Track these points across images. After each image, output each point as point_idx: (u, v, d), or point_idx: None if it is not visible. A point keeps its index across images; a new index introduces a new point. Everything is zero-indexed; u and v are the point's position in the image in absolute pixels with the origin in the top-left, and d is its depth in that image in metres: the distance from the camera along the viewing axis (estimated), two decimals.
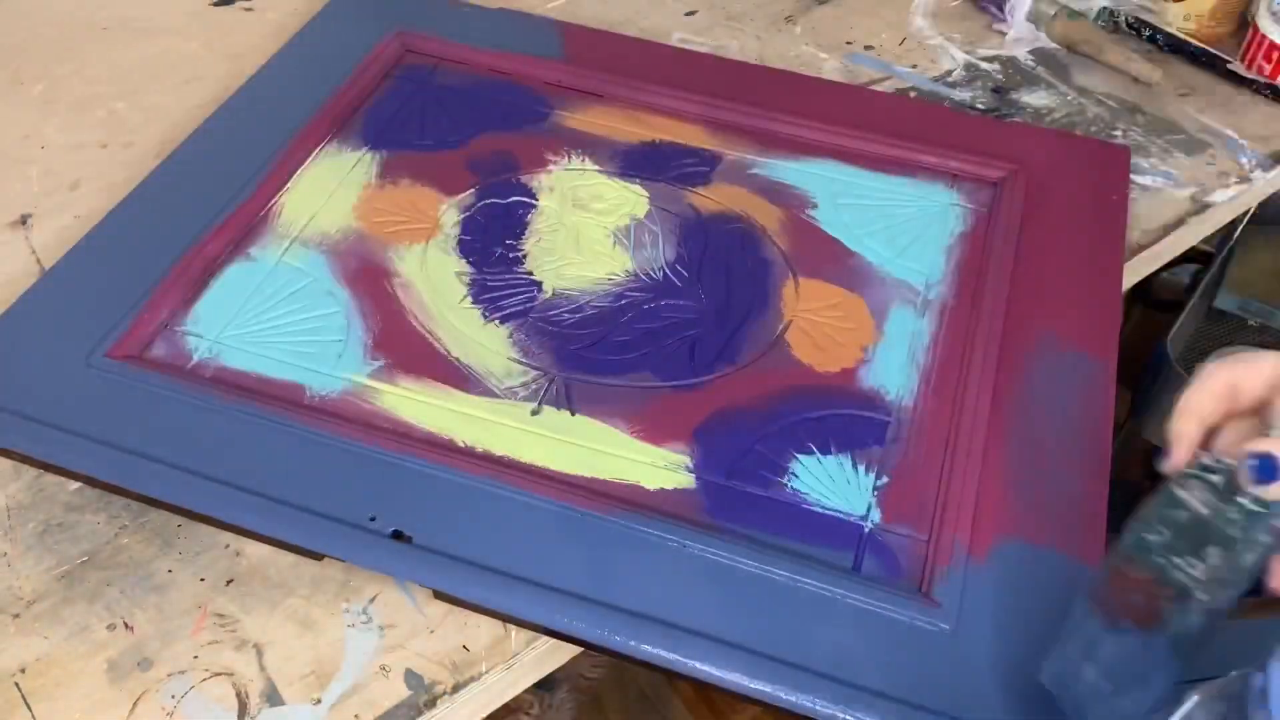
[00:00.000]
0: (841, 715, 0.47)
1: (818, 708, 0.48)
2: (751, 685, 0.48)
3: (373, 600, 0.52)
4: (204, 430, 0.56)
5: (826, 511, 0.55)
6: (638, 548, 0.52)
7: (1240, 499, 0.41)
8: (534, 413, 0.58)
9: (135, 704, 0.48)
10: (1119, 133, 0.79)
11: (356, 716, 0.48)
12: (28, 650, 0.49)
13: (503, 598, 0.50)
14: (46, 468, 0.55)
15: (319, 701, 0.48)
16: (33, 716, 0.47)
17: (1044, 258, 0.68)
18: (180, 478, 0.53)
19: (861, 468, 0.57)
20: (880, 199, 0.72)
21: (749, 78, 0.79)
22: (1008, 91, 0.82)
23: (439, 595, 0.51)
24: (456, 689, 0.49)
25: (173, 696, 0.48)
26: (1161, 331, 1.03)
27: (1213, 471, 0.42)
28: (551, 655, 0.52)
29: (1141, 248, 0.71)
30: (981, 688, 0.49)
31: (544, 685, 1.11)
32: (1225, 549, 0.41)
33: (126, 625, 0.50)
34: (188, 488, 0.53)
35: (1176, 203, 0.74)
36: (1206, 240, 0.97)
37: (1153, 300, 1.20)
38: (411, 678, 0.49)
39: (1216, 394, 0.44)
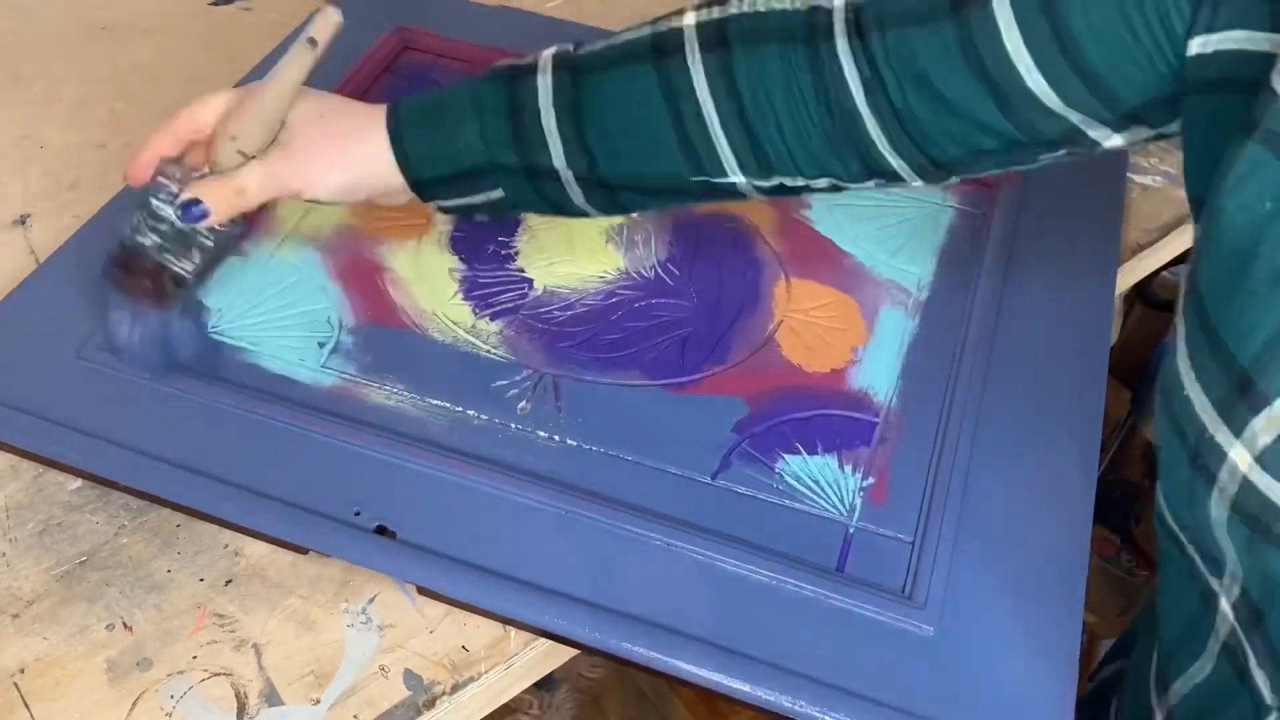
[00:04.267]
0: (820, 716, 0.47)
1: (797, 709, 0.48)
2: (731, 685, 0.48)
3: (372, 600, 0.52)
4: (192, 423, 0.56)
5: (812, 511, 0.55)
6: (623, 546, 0.52)
7: (186, 217, 0.53)
8: (522, 410, 0.58)
9: (134, 704, 0.48)
10: None
11: (356, 717, 0.48)
12: (27, 650, 0.49)
13: (484, 594, 0.50)
14: (37, 460, 0.55)
15: (318, 702, 0.48)
16: (32, 717, 0.47)
17: (1037, 260, 0.68)
18: (166, 469, 0.54)
19: (848, 468, 0.57)
20: (874, 200, 0.72)
21: None
22: None
23: (423, 591, 0.51)
24: (456, 689, 0.49)
25: (172, 697, 0.48)
26: (1161, 331, 1.03)
27: (182, 216, 0.53)
28: (550, 655, 0.52)
29: (1141, 247, 0.71)
30: (964, 691, 0.49)
31: (544, 685, 1.11)
32: (200, 249, 0.55)
33: (125, 625, 0.50)
34: (172, 479, 0.53)
35: (1176, 202, 0.74)
36: None
37: (1153, 300, 1.20)
38: (410, 678, 0.49)
39: (179, 132, 0.54)
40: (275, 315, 0.62)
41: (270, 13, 0.86)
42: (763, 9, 0.50)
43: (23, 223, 0.68)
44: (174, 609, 0.51)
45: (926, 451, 0.58)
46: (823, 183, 0.52)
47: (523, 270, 0.66)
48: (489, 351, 0.61)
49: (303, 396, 0.58)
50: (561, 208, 0.55)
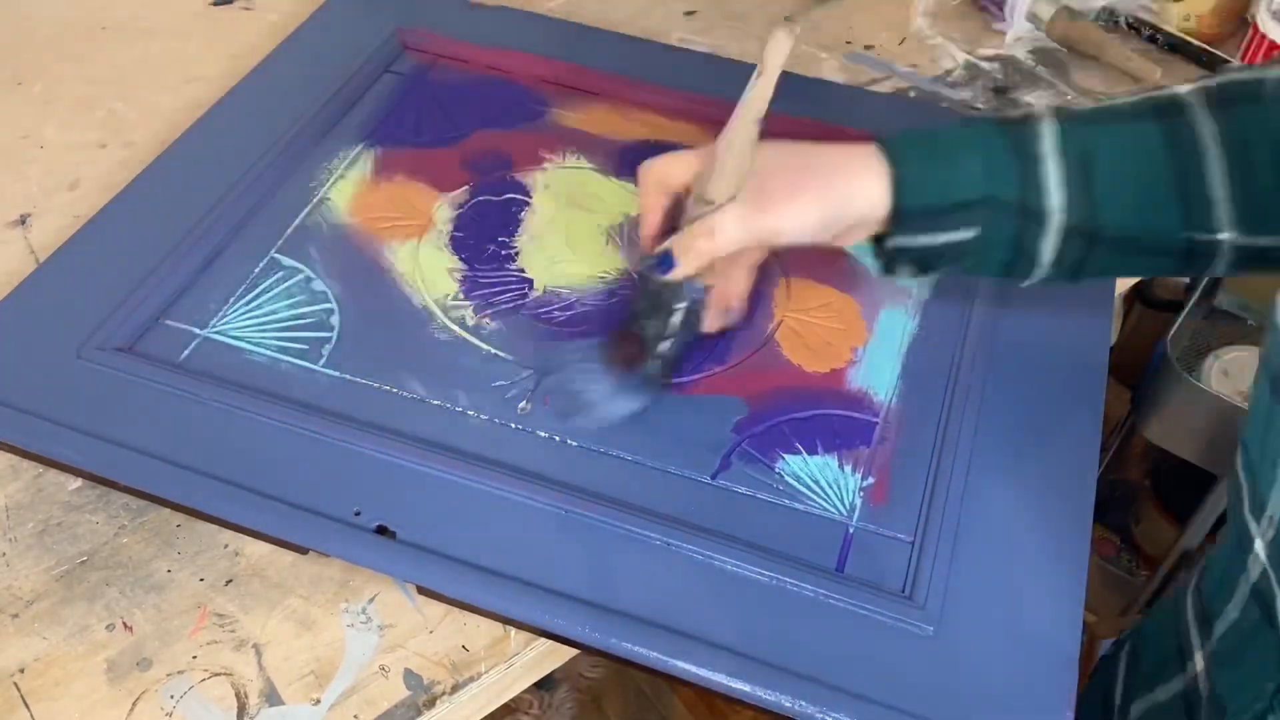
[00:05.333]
0: (820, 716, 0.47)
1: (797, 709, 0.48)
2: (731, 685, 0.48)
3: (372, 600, 0.52)
4: (193, 423, 0.56)
5: (812, 511, 0.55)
6: (623, 546, 0.52)
7: (659, 269, 0.55)
8: (522, 410, 0.58)
9: (134, 704, 0.48)
10: None
11: (356, 716, 0.48)
12: (27, 650, 0.49)
13: (484, 594, 0.50)
14: (37, 460, 0.55)
15: (318, 701, 0.48)
16: (32, 717, 0.47)
17: None
18: (166, 469, 0.53)
19: (848, 468, 0.57)
20: None
21: (747, 77, 0.79)
22: (1008, 91, 0.82)
23: (423, 591, 0.51)
24: (456, 689, 0.49)
25: (172, 696, 0.48)
26: (1161, 331, 1.03)
27: (658, 270, 0.54)
28: (551, 655, 0.52)
29: None
30: (964, 690, 0.49)
31: (544, 685, 1.11)
32: (670, 315, 0.57)
33: (125, 625, 0.50)
34: (172, 479, 0.53)
35: None
36: None
37: (1153, 300, 1.20)
38: (411, 678, 0.49)
39: (652, 194, 0.56)
40: (275, 315, 0.62)
41: (270, 13, 0.86)
42: (1258, 76, 0.51)
43: (23, 223, 0.68)
44: (174, 609, 0.51)
45: (926, 451, 0.58)
46: None
47: (523, 270, 0.66)
48: (489, 351, 0.61)
49: (303, 396, 0.58)
50: (1015, 263, 0.54)
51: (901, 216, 0.52)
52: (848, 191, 0.52)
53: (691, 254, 0.53)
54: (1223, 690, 0.48)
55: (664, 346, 0.57)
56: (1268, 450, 0.42)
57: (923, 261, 0.55)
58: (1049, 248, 0.53)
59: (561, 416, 0.58)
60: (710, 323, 0.59)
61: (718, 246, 0.53)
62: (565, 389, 0.59)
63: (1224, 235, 0.52)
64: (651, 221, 0.56)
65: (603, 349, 0.59)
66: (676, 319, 0.57)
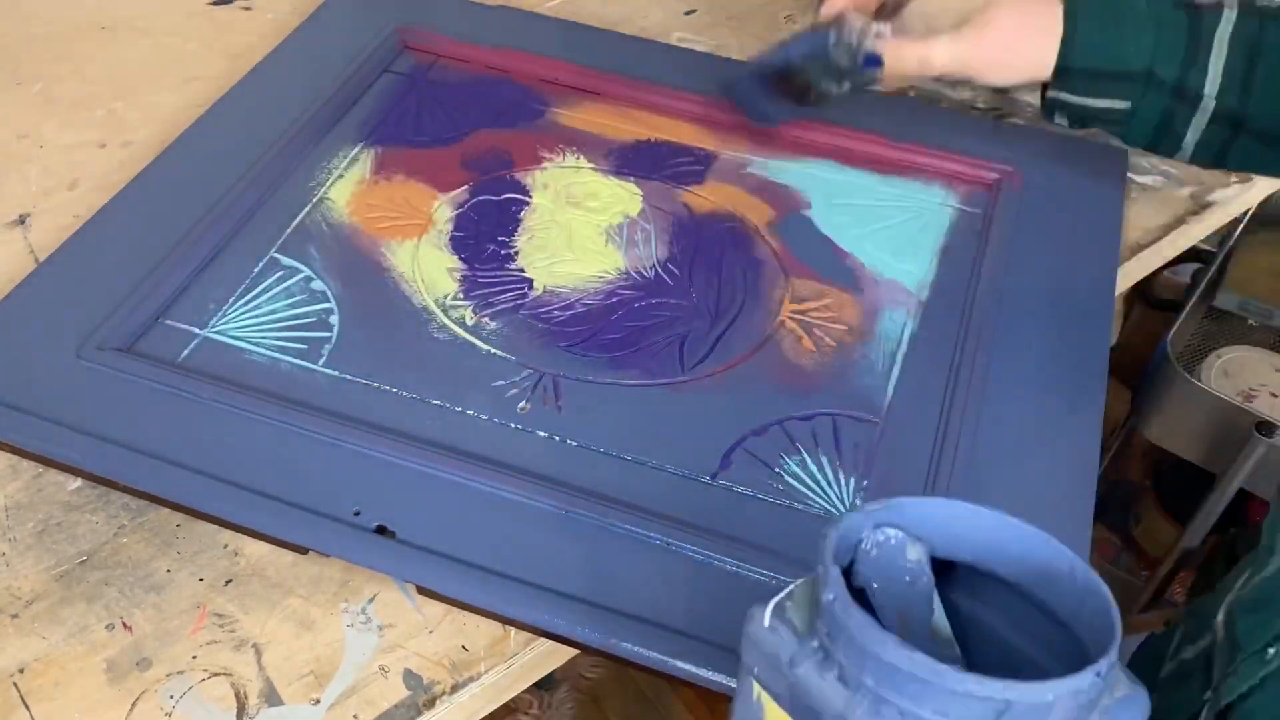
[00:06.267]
0: None
1: None
2: (731, 685, 0.48)
3: (372, 600, 0.52)
4: (193, 423, 0.56)
5: (812, 511, 0.55)
6: (623, 546, 0.52)
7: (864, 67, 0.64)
8: (522, 410, 0.58)
9: (134, 704, 0.48)
10: None
11: (355, 716, 0.48)
12: (26, 650, 0.49)
13: (484, 594, 0.50)
14: (37, 460, 0.55)
15: (318, 701, 0.48)
16: (31, 717, 0.47)
17: (1038, 261, 0.68)
18: (166, 469, 0.53)
19: (848, 468, 0.57)
20: (875, 200, 0.72)
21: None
22: (1008, 90, 0.82)
23: (423, 591, 0.51)
24: (455, 689, 0.49)
25: (171, 697, 0.48)
26: (1161, 331, 1.03)
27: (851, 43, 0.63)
28: (551, 655, 0.52)
29: (1141, 247, 0.71)
30: None
31: (544, 685, 1.11)
32: (851, 82, 0.66)
33: (125, 625, 0.50)
34: (172, 479, 0.53)
35: (1176, 202, 0.74)
36: (1206, 240, 0.97)
37: (1153, 300, 1.20)
38: (410, 678, 0.49)
39: None
40: (275, 315, 0.62)
41: (270, 12, 0.86)
42: None
43: (22, 222, 0.68)
44: (174, 609, 0.51)
45: (926, 451, 0.58)
46: None
47: (523, 270, 0.66)
48: (489, 351, 0.61)
49: (303, 396, 0.58)
50: (1161, 140, 0.59)
51: (1064, 74, 0.57)
52: (1044, 49, 0.57)
53: (900, 63, 0.59)
54: (1240, 633, 0.50)
55: (833, 91, 0.66)
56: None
57: (1078, 117, 0.60)
58: (1194, 131, 0.56)
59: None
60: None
61: (925, 72, 0.59)
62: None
63: None
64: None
65: (770, 85, 0.68)
66: (855, 81, 0.65)
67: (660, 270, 0.67)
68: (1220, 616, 0.52)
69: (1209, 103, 0.55)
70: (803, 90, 0.67)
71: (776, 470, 0.57)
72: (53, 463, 0.55)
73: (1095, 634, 0.32)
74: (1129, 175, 0.75)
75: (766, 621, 0.35)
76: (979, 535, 0.35)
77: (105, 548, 0.53)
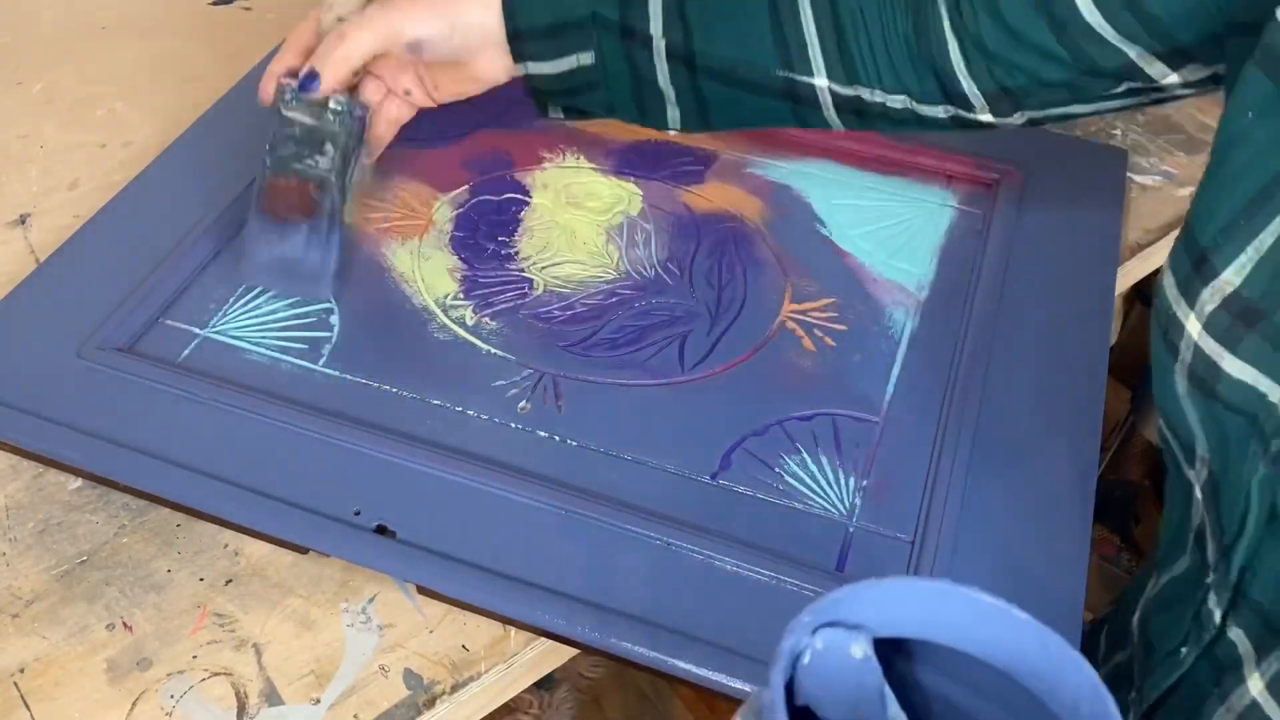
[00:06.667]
0: None
1: None
2: (731, 685, 0.48)
3: (372, 600, 0.52)
4: (192, 423, 0.56)
5: (812, 511, 0.55)
6: (623, 546, 0.52)
7: (330, 104, 0.57)
8: (522, 409, 0.58)
9: (134, 704, 0.48)
10: (1119, 131, 0.79)
11: (355, 716, 0.48)
12: (26, 650, 0.49)
13: (484, 594, 0.50)
14: (37, 459, 0.55)
15: (318, 701, 0.48)
16: (31, 717, 0.47)
17: (1037, 261, 0.68)
18: (166, 469, 0.53)
19: (848, 468, 0.57)
20: (874, 200, 0.72)
21: None
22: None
23: (423, 591, 0.51)
24: (455, 688, 0.49)
25: (171, 696, 0.48)
26: None
27: (302, 92, 0.56)
28: (550, 655, 0.52)
29: (1141, 247, 0.71)
30: None
31: (544, 684, 1.11)
32: (334, 142, 0.58)
33: (125, 625, 0.50)
34: (172, 479, 0.53)
35: (1176, 202, 0.74)
36: None
37: (1153, 300, 1.20)
38: (410, 677, 0.49)
39: (301, 41, 0.59)
40: (275, 315, 0.62)
41: (270, 12, 0.86)
42: None
43: (22, 222, 0.68)
44: (174, 609, 0.51)
45: (926, 451, 0.58)
46: (898, 101, 0.56)
47: (523, 270, 0.66)
48: (489, 351, 0.61)
49: (303, 396, 0.58)
50: (644, 99, 0.57)
51: (515, 38, 0.56)
52: (464, 6, 0.56)
53: (330, 61, 0.55)
54: (1154, 634, 0.51)
55: (326, 168, 0.58)
56: (1171, 397, 0.45)
57: (566, 96, 0.59)
58: (663, 76, 0.56)
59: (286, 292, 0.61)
60: (380, 135, 0.62)
61: (350, 49, 0.55)
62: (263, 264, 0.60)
63: (819, 81, 0.55)
64: (284, 62, 0.59)
65: (261, 203, 0.59)
66: (335, 137, 0.57)
67: (660, 270, 0.67)
68: (1136, 619, 0.52)
69: (659, 42, 0.55)
70: (299, 190, 0.58)
71: (776, 470, 0.57)
72: (53, 463, 0.55)
73: (1077, 713, 0.30)
74: (1129, 175, 0.75)
75: None
76: (931, 612, 0.33)
77: (105, 548, 0.53)
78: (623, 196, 0.71)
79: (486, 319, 0.63)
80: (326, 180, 0.57)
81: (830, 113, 0.57)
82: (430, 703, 0.49)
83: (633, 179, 0.72)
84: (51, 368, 0.58)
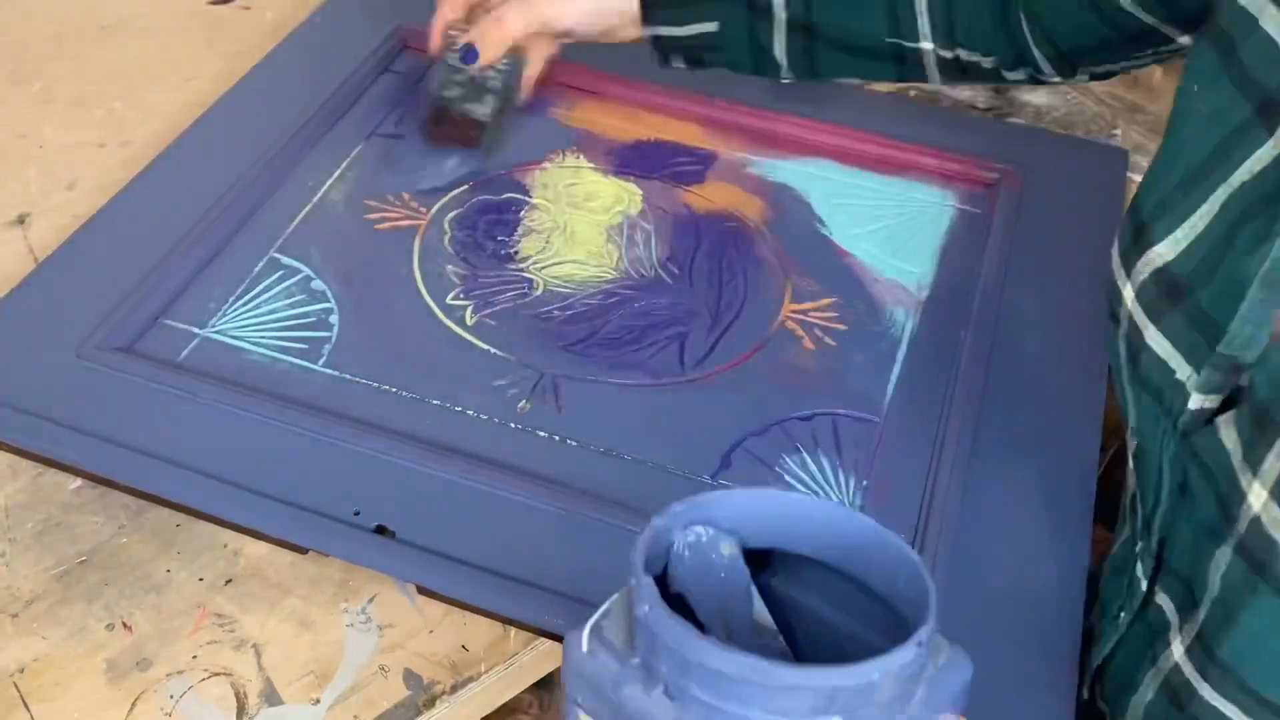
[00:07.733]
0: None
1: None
2: None
3: (371, 600, 0.52)
4: (192, 422, 0.56)
5: None
6: (623, 546, 0.52)
7: (465, 60, 0.67)
8: (522, 409, 0.58)
9: (134, 704, 0.48)
10: (1119, 131, 0.79)
11: (355, 716, 0.48)
12: (26, 650, 0.49)
13: (484, 594, 0.50)
14: (37, 459, 0.55)
15: (318, 701, 0.48)
16: (31, 717, 0.47)
17: (1038, 261, 0.68)
18: (166, 469, 0.53)
19: (848, 468, 0.57)
20: (875, 199, 0.72)
21: (745, 76, 0.79)
22: (1008, 90, 0.82)
23: (423, 591, 0.51)
24: (455, 689, 0.49)
25: (171, 696, 0.48)
26: None
27: (463, 63, 0.66)
28: (550, 655, 0.52)
29: None
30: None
31: (544, 685, 1.11)
32: (494, 92, 0.70)
33: (125, 625, 0.50)
34: (172, 479, 0.53)
35: None
36: None
37: None
38: (410, 678, 0.49)
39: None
40: (275, 315, 0.62)
41: (270, 12, 0.86)
42: None
43: (22, 222, 0.68)
44: (173, 609, 0.51)
45: (926, 451, 0.58)
46: (989, 62, 0.63)
47: (523, 270, 0.66)
48: (489, 351, 0.61)
49: (303, 396, 0.58)
50: (761, 59, 0.65)
51: (648, 6, 0.64)
52: None
53: (489, 43, 0.65)
54: (1104, 599, 0.52)
55: (485, 113, 0.70)
56: (1117, 370, 0.47)
57: (688, 53, 0.66)
58: (780, 44, 0.63)
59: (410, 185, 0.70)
60: (525, 91, 0.72)
61: (505, 34, 0.64)
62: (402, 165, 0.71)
63: (925, 45, 0.62)
64: (445, 15, 0.68)
65: (427, 132, 0.71)
66: (496, 90, 0.69)
67: (660, 270, 0.67)
68: (1102, 580, 0.54)
69: (780, 13, 0.62)
70: (460, 125, 0.70)
71: (776, 470, 0.57)
72: (53, 463, 0.55)
73: (912, 605, 0.32)
74: (1129, 175, 0.75)
75: (585, 646, 0.33)
76: (791, 522, 0.35)
77: (105, 548, 0.53)
78: (623, 196, 0.71)
79: (486, 319, 0.63)
80: (485, 125, 0.69)
81: (932, 71, 0.64)
82: (430, 703, 0.49)
83: (633, 179, 0.72)
84: (51, 368, 0.58)
